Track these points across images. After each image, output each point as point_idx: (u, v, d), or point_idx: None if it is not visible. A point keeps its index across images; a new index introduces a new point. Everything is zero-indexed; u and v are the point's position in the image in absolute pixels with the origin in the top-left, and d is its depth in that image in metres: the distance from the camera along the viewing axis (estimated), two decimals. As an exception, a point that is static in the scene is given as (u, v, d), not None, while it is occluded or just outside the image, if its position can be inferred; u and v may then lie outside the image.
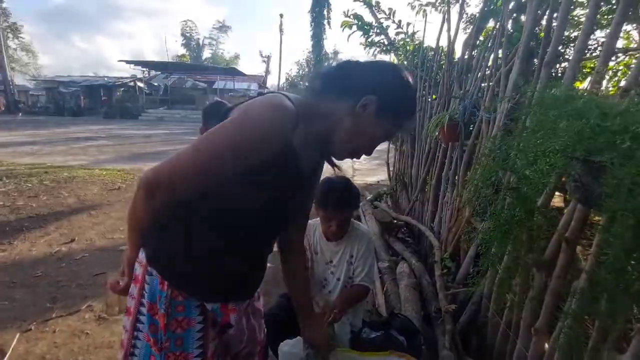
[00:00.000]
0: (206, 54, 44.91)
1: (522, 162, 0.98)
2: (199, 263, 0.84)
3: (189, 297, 0.83)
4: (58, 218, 3.85)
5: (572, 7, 1.99)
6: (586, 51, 1.88)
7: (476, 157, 2.04)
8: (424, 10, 3.43)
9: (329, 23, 28.54)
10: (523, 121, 1.13)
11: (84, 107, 24.18)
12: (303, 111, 0.77)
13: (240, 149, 0.72)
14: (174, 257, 0.83)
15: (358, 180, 6.00)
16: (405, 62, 3.68)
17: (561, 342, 1.05)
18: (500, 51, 2.02)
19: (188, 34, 43.30)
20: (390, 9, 3.74)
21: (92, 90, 25.78)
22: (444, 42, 2.95)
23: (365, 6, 3.76)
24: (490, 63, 2.18)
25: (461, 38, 2.97)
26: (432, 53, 3.24)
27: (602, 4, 1.88)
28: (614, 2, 1.89)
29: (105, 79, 29.75)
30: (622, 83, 2.09)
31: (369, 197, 4.31)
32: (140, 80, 25.88)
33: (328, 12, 28.31)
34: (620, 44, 2.34)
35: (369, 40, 3.87)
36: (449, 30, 2.80)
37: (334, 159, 0.90)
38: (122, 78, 28.72)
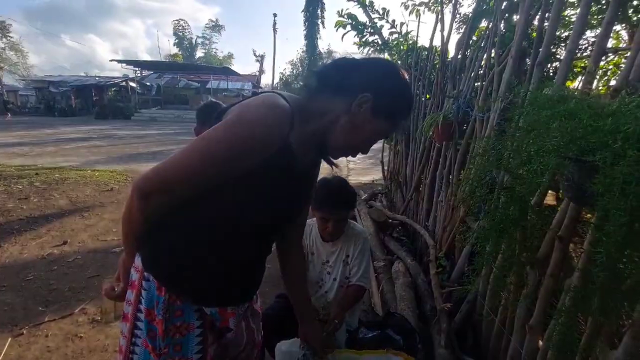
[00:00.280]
0: (199, 53, 44.65)
1: (516, 161, 1.00)
2: (197, 267, 0.82)
3: (187, 302, 0.82)
4: (49, 220, 3.80)
5: (563, 7, 2.03)
6: (577, 51, 1.91)
7: (470, 156, 2.05)
8: (418, 10, 3.45)
9: (322, 23, 28.52)
10: (516, 121, 1.14)
11: (75, 108, 23.81)
12: (299, 110, 0.77)
13: (237, 151, 0.71)
14: (171, 261, 0.82)
15: (352, 180, 6.01)
16: (399, 62, 3.70)
17: (555, 339, 1.06)
18: (493, 51, 2.04)
19: (181, 33, 42.98)
20: (383, 8, 3.76)
21: (83, 90, 25.37)
22: (437, 42, 2.97)
23: (359, 6, 3.76)
24: (483, 63, 2.20)
25: (454, 38, 3.00)
26: (426, 53, 3.25)
27: (592, 3, 1.91)
28: (603, 2, 1.92)
29: (97, 78, 29.35)
30: (612, 82, 2.13)
31: (363, 197, 4.32)
32: (132, 80, 25.57)
33: (321, 12, 28.28)
34: (609, 43, 2.37)
35: (363, 40, 3.88)
36: (442, 30, 2.81)
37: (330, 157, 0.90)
38: (114, 78, 28.36)
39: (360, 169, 7.55)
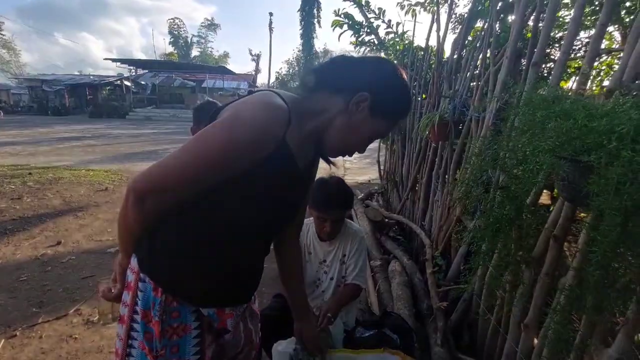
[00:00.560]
0: (195, 52, 44.41)
1: (511, 161, 1.00)
2: (194, 268, 0.81)
3: (184, 303, 0.81)
4: (43, 220, 3.75)
5: (557, 8, 2.04)
6: (571, 51, 1.92)
7: (466, 156, 2.06)
8: (414, 10, 3.47)
9: (318, 22, 28.49)
10: (512, 121, 1.15)
11: (69, 106, 23.57)
12: (296, 108, 0.76)
13: (232, 151, 0.70)
14: (167, 262, 0.80)
15: (349, 179, 6.01)
16: (396, 62, 3.71)
17: (550, 337, 1.07)
18: (488, 51, 2.05)
19: (176, 32, 42.72)
20: (380, 8, 3.76)
21: (77, 89, 25.12)
22: (433, 42, 2.98)
23: (355, 6, 3.76)
24: (479, 63, 2.21)
25: (450, 38, 3.00)
26: (422, 53, 3.26)
27: (585, 5, 1.92)
28: (597, 3, 1.94)
29: (91, 77, 29.08)
30: (605, 83, 2.15)
31: (360, 196, 4.33)
32: (127, 78, 25.37)
33: (318, 11, 28.25)
34: (602, 44, 2.40)
35: (360, 39, 3.88)
36: (438, 30, 2.82)
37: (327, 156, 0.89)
38: (108, 76, 28.12)
39: (356, 169, 7.56)
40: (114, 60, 24.21)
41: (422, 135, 2.76)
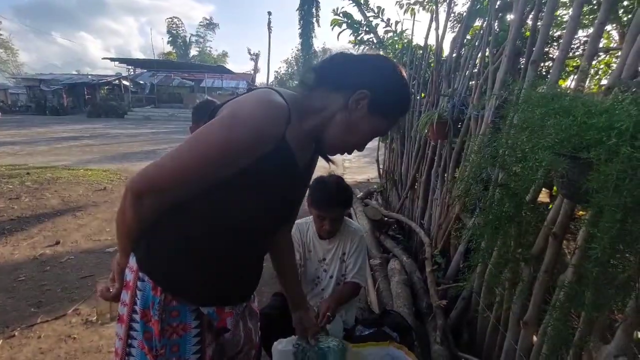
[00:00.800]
0: (193, 51, 44.32)
1: (510, 158, 1.00)
2: (193, 267, 0.81)
3: (184, 302, 0.81)
4: (41, 220, 3.74)
5: (556, 7, 2.04)
6: (570, 50, 1.93)
7: (465, 154, 2.06)
8: (412, 9, 3.46)
9: (317, 21, 28.48)
10: (511, 118, 1.15)
11: (67, 106, 23.46)
12: (295, 106, 0.76)
13: (231, 149, 0.70)
14: (167, 261, 0.80)
15: (348, 178, 6.01)
16: (394, 61, 3.70)
17: (549, 334, 1.08)
18: (487, 50, 2.05)
19: (174, 32, 42.59)
20: (378, 7, 3.76)
21: (75, 89, 25.01)
22: (432, 41, 2.98)
23: (354, 4, 3.76)
24: (477, 61, 2.21)
25: (449, 37, 3.00)
26: (421, 51, 3.26)
27: (584, 4, 1.93)
28: (595, 2, 1.94)
29: (89, 76, 28.97)
30: (604, 81, 2.16)
31: (359, 195, 4.33)
32: (125, 78, 25.30)
33: (316, 10, 28.23)
34: (600, 43, 2.40)
35: (359, 38, 3.88)
36: (437, 28, 2.82)
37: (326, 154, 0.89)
38: (106, 76, 28.02)
39: (356, 168, 7.56)
40: (112, 59, 24.06)
41: (421, 134, 2.76)
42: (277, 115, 0.72)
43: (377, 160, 4.64)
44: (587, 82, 2.16)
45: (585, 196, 0.71)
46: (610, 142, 0.63)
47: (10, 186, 4.87)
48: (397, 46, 3.75)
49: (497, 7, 2.08)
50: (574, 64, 2.14)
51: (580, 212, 1.18)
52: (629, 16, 1.83)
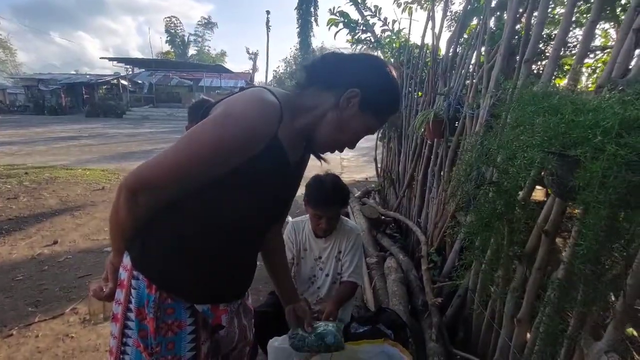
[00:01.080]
0: (192, 51, 44.23)
1: (502, 157, 1.01)
2: (187, 265, 0.81)
3: (179, 299, 0.81)
4: (39, 220, 3.74)
5: (552, 5, 2.05)
6: (565, 49, 1.93)
7: (460, 152, 2.07)
8: (410, 8, 3.47)
9: (315, 20, 28.40)
10: (504, 117, 1.16)
11: (65, 106, 23.40)
12: (287, 105, 0.77)
13: (224, 147, 0.70)
14: (161, 260, 0.81)
15: (346, 177, 6.02)
16: (392, 60, 3.71)
17: (542, 331, 1.09)
18: (483, 48, 2.06)
19: (173, 31, 42.49)
20: (376, 6, 3.77)
21: (73, 88, 24.93)
22: (429, 40, 2.99)
23: (351, 3, 3.76)
24: (473, 60, 2.21)
25: (445, 36, 3.01)
26: (418, 50, 3.27)
27: (580, 2, 1.93)
28: (592, 0, 1.95)
29: (87, 76, 28.87)
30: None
31: (357, 194, 4.33)
32: (123, 77, 25.24)
33: (315, 9, 28.15)
34: (598, 42, 2.41)
35: (356, 37, 3.88)
36: (433, 27, 2.83)
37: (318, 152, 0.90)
38: (104, 76, 27.94)
39: (353, 167, 7.56)
40: (110, 59, 24.07)
41: (417, 133, 2.76)
42: (270, 114, 0.73)
43: (375, 159, 4.65)
44: (585, 81, 2.17)
45: (573, 193, 0.72)
46: (596, 140, 0.63)
47: (9, 186, 4.87)
48: (394, 45, 3.76)
49: (493, 5, 2.08)
50: (571, 63, 2.14)
51: (576, 211, 1.19)
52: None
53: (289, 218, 1.86)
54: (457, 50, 2.53)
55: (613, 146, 0.61)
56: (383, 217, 3.38)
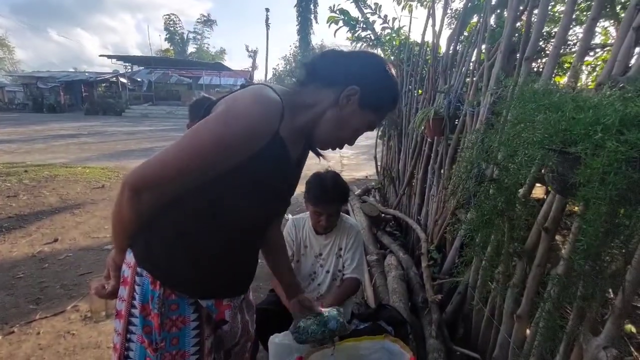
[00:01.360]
0: (191, 48, 44.14)
1: (503, 154, 1.02)
2: (190, 262, 0.82)
3: (183, 295, 0.82)
4: (39, 218, 3.75)
5: (552, 3, 2.05)
6: (566, 47, 1.93)
7: (461, 150, 2.07)
8: (410, 6, 3.46)
9: (315, 18, 28.32)
10: (505, 115, 1.16)
11: (64, 104, 23.33)
12: (288, 102, 0.77)
13: (226, 144, 0.71)
14: (165, 256, 0.81)
15: (346, 175, 6.02)
16: (392, 57, 3.71)
17: (541, 326, 1.09)
18: (483, 46, 2.06)
19: (172, 28, 42.35)
20: (376, 4, 3.76)
21: (72, 86, 24.85)
22: (429, 37, 2.99)
23: (351, 1, 3.75)
24: (474, 58, 2.21)
25: (446, 33, 3.01)
26: (418, 48, 3.26)
27: (580, 0, 1.93)
28: (592, -2, 1.95)
29: (86, 74, 28.76)
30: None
31: (357, 192, 4.34)
32: (122, 75, 25.17)
33: (314, 7, 28.06)
34: (599, 39, 2.41)
35: (356, 35, 3.88)
36: (433, 25, 2.83)
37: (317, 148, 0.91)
38: (103, 73, 27.84)
39: (354, 165, 7.57)
40: (109, 56, 23.91)
41: (417, 131, 2.77)
42: (272, 111, 0.74)
43: (375, 157, 4.65)
44: (585, 78, 2.17)
45: (573, 190, 0.72)
46: (596, 137, 0.64)
47: (8, 184, 4.87)
48: (394, 43, 3.75)
49: (493, 3, 2.08)
50: (571, 61, 2.15)
51: (576, 208, 1.20)
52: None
53: (289, 215, 1.86)
54: (458, 47, 2.53)
55: (613, 143, 0.61)
56: (383, 214, 3.39)
